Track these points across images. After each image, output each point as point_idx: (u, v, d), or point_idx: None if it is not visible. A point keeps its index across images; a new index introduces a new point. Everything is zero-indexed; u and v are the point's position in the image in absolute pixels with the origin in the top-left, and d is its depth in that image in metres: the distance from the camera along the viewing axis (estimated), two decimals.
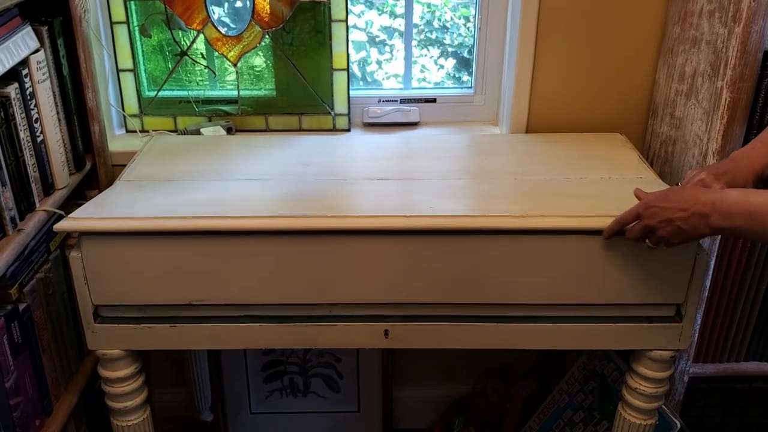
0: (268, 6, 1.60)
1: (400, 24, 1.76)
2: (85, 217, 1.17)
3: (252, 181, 1.34)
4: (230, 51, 1.65)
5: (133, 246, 1.16)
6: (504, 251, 1.17)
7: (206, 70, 1.68)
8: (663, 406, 1.37)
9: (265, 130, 1.71)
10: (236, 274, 1.18)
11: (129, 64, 1.65)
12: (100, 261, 1.17)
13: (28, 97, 1.22)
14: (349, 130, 1.71)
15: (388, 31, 1.83)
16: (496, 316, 1.21)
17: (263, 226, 1.15)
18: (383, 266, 1.18)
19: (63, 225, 1.15)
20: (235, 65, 1.66)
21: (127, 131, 1.72)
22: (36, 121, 1.24)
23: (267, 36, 1.63)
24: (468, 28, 1.81)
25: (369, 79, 1.87)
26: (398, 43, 1.81)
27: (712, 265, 1.38)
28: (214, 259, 1.17)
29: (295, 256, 1.17)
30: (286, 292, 1.20)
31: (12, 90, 1.17)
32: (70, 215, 1.17)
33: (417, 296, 1.21)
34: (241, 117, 1.70)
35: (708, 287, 1.40)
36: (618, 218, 1.12)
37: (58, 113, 1.32)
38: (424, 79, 1.85)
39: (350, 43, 1.64)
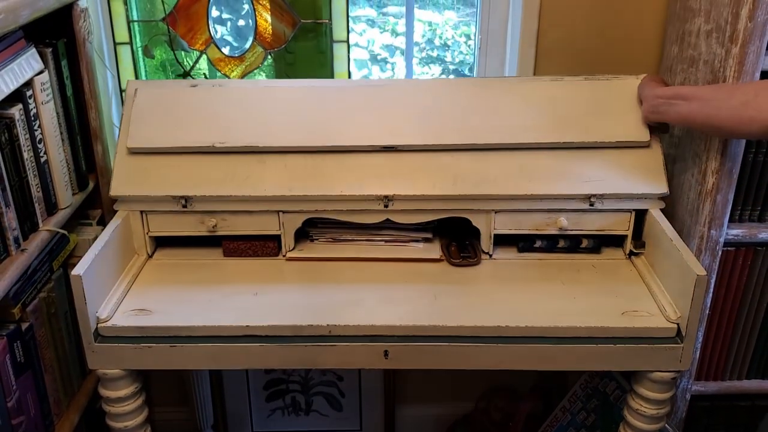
0: (270, 27, 1.62)
1: (401, 42, 1.78)
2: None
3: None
4: (233, 71, 1.67)
5: (174, 89, 1.40)
6: (504, 93, 1.35)
7: None
8: (666, 426, 1.37)
9: None
10: (253, 119, 1.36)
11: None
12: (148, 104, 1.38)
13: (32, 118, 1.23)
14: None
15: (390, 49, 1.84)
16: (497, 337, 1.20)
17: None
18: (384, 111, 1.36)
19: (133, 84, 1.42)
20: None
21: None
22: (40, 142, 1.25)
23: (269, 56, 1.65)
24: (469, 46, 1.82)
25: None
26: (400, 60, 1.82)
27: (712, 284, 1.38)
28: (235, 105, 1.38)
29: (308, 99, 1.36)
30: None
31: (16, 111, 1.18)
32: None
33: (417, 138, 1.34)
34: None
35: (709, 306, 1.40)
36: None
37: (61, 134, 1.33)
38: None
39: (352, 61, 1.65)
